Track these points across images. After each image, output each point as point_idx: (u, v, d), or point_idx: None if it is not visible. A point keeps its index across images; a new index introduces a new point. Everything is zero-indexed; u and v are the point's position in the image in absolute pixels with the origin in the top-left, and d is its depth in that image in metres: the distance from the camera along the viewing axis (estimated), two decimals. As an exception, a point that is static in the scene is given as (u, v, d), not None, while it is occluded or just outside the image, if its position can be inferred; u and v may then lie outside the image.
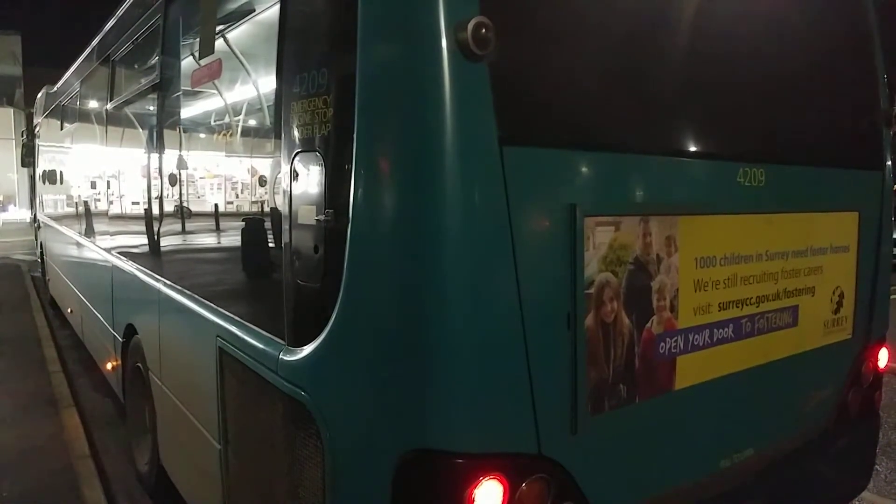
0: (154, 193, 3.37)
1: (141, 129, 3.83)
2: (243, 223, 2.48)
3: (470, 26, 1.39)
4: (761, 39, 2.16)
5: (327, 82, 1.63)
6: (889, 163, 2.68)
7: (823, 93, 2.43)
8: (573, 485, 1.67)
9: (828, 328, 2.43)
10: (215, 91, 2.51)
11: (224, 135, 2.63)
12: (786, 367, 2.26)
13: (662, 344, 1.84)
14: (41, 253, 9.68)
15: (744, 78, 2.11)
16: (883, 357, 2.69)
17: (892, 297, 2.81)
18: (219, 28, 2.32)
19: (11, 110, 35.39)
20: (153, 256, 3.41)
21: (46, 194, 8.64)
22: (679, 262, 1.86)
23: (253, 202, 2.39)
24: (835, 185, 2.45)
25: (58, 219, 7.53)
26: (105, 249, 4.61)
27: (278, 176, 1.89)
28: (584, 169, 1.69)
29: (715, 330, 1.99)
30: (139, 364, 3.62)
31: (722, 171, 2.03)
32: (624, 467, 1.82)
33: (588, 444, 1.68)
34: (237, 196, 2.53)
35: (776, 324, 2.21)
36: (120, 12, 4.16)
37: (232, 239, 2.60)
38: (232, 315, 2.29)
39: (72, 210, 6.44)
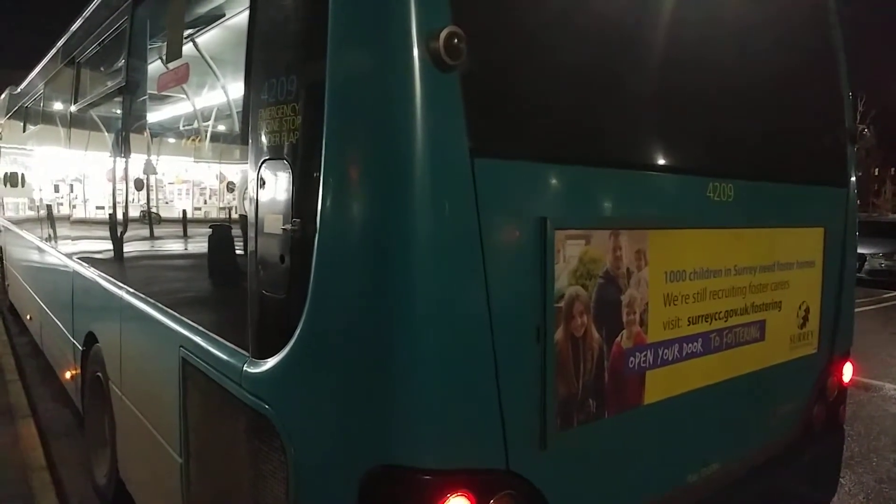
0: (118, 198, 3.29)
1: (106, 133, 3.74)
2: (209, 230, 2.43)
3: (442, 36, 1.37)
4: (731, 58, 2.19)
5: (296, 90, 1.59)
6: (854, 179, 2.73)
7: (791, 111, 2.47)
8: (541, 501, 1.64)
9: (794, 343, 2.45)
10: (182, 95, 2.46)
11: (190, 140, 2.57)
12: (753, 381, 2.27)
13: (632, 358, 1.84)
14: (1, 257, 9.42)
15: (714, 95, 2.14)
16: (847, 371, 2.73)
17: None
18: (187, 32, 2.27)
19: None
20: (116, 263, 3.32)
21: (7, 197, 8.43)
22: (649, 277, 1.86)
23: (220, 209, 2.34)
24: (801, 202, 2.49)
25: (19, 223, 7.34)
26: (66, 255, 4.49)
27: (245, 183, 1.85)
28: (555, 182, 1.68)
29: (684, 344, 2.00)
30: (99, 373, 3.52)
31: (691, 186, 2.04)
32: (592, 483, 1.81)
33: (556, 459, 1.66)
34: (205, 202, 2.47)
35: (744, 338, 2.22)
36: (86, 14, 4.07)
37: (197, 246, 2.54)
38: (196, 325, 2.23)
39: (33, 214, 6.29)
